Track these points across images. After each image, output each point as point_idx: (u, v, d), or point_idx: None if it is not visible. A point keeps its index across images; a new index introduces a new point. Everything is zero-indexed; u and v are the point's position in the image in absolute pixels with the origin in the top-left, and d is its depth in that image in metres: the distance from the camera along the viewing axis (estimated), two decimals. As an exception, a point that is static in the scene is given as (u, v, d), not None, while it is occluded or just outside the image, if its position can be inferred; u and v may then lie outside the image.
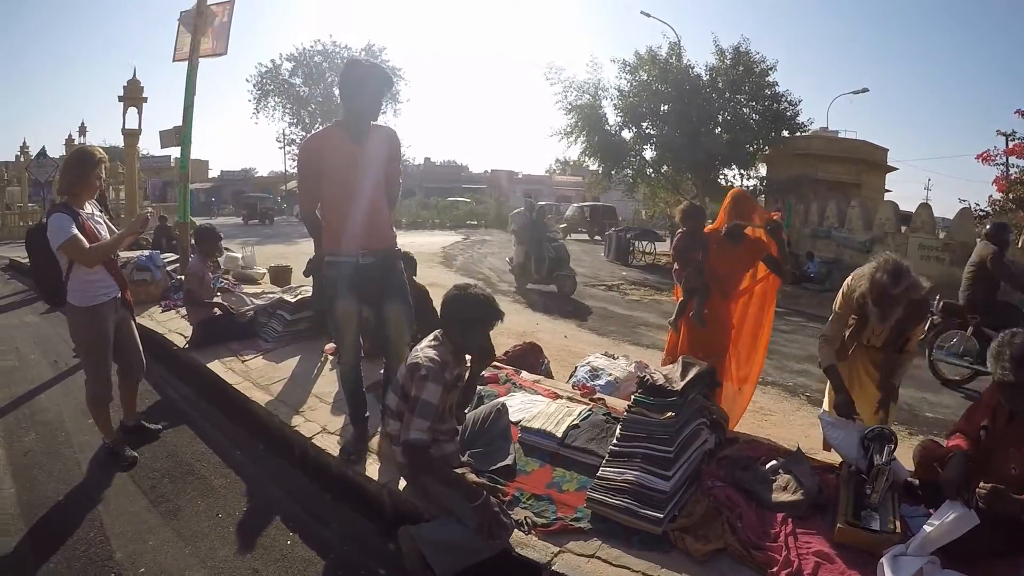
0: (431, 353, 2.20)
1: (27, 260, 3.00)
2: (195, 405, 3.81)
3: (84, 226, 2.71)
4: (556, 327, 6.82)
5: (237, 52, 7.09)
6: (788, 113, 16.32)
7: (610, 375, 3.76)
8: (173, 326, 5.20)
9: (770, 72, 16.13)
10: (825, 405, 2.89)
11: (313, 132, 2.62)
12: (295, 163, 37.62)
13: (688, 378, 2.51)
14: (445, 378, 2.17)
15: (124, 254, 9.09)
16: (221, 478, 2.88)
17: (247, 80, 34.58)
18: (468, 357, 2.45)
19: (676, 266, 3.66)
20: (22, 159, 23.88)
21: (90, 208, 2.86)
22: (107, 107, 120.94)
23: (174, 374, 4.35)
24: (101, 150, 2.91)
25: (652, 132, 16.91)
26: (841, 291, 2.65)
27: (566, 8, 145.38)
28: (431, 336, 2.32)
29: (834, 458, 2.51)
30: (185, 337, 4.66)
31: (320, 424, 3.11)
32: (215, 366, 4.05)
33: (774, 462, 2.43)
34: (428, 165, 46.61)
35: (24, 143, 23.92)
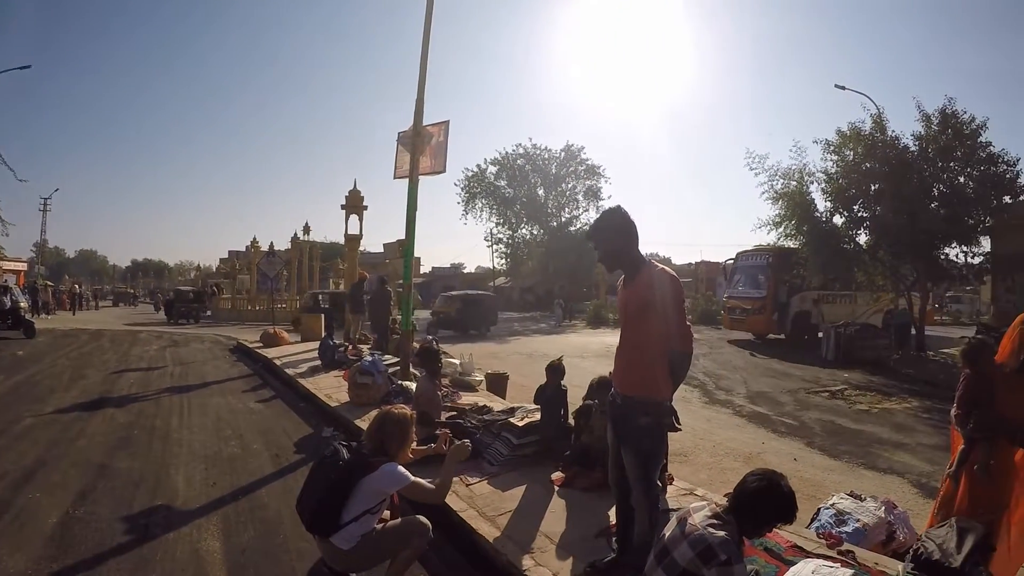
0: (721, 534, 1.94)
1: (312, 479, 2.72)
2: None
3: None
4: (782, 447, 6.46)
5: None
6: (1007, 176, 14.21)
7: (858, 520, 3.38)
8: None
9: (981, 131, 14.28)
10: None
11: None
12: (502, 260, 39.47)
13: (966, 550, 2.39)
14: (743, 560, 1.99)
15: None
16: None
17: (455, 184, 36.26)
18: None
19: (957, 411, 3.34)
20: (252, 251, 28.59)
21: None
22: (325, 209, 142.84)
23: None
24: (408, 411, 2.80)
25: (865, 215, 15.53)
26: None
27: (757, 91, 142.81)
28: (708, 511, 2.06)
29: None
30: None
31: (551, 570, 2.92)
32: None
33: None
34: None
35: (255, 239, 28.53)
